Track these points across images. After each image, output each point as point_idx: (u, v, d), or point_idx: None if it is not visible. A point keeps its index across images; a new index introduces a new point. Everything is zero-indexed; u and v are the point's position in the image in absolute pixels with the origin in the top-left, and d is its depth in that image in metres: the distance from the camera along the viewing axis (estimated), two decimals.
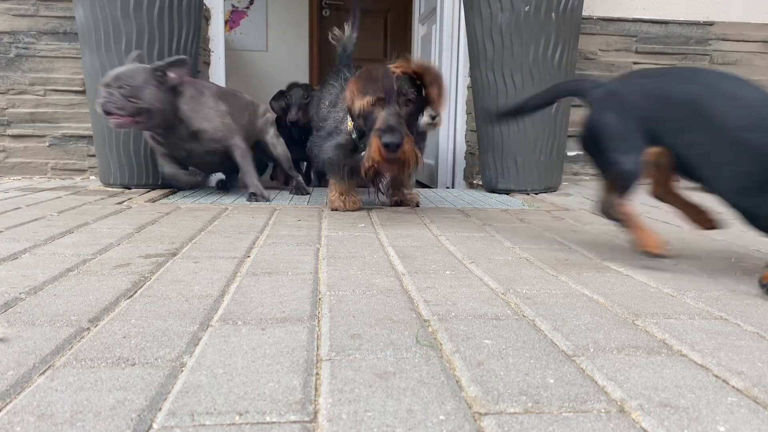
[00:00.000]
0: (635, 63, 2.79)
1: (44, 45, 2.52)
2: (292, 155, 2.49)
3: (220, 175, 2.54)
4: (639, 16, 2.78)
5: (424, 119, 1.89)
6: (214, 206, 1.88)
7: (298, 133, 2.77)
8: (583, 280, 1.05)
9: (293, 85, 2.85)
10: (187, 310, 0.84)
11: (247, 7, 5.72)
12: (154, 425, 0.52)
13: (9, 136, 2.56)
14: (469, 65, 2.42)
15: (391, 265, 1.14)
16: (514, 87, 2.27)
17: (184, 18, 2.19)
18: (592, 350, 0.72)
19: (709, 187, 1.05)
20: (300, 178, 2.38)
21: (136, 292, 0.93)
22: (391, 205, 1.98)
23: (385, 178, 1.81)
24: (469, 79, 2.42)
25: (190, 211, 1.78)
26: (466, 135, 2.94)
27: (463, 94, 2.94)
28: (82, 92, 2.54)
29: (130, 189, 2.25)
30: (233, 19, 5.57)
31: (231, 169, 2.30)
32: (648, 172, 1.14)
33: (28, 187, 2.26)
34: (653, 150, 1.11)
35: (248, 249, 1.26)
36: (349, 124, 1.73)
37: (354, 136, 1.72)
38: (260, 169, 2.59)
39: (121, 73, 1.83)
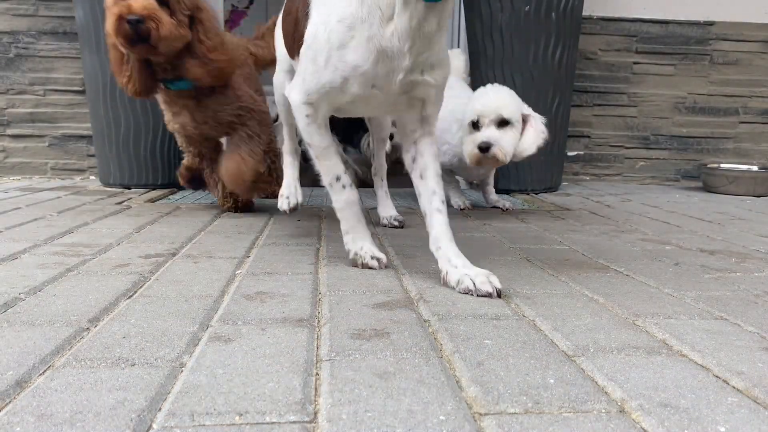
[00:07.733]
0: (635, 63, 2.79)
1: (44, 45, 2.52)
2: None
3: None
4: (639, 15, 2.77)
5: None
6: (214, 206, 1.88)
7: None
8: (583, 280, 1.05)
9: None
10: (187, 310, 0.84)
11: (247, 7, 5.72)
12: (154, 425, 0.52)
13: (9, 136, 2.56)
14: (469, 65, 2.42)
15: (391, 265, 1.14)
16: (515, 87, 2.27)
17: None
18: (592, 350, 0.72)
19: None
20: None
21: (135, 292, 0.93)
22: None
23: None
24: (469, 78, 2.42)
25: (190, 211, 1.77)
26: None
27: None
28: (82, 92, 2.53)
29: (129, 189, 2.25)
30: (233, 19, 5.57)
31: None
32: None
33: (27, 187, 2.26)
34: None
35: (248, 249, 1.26)
36: None
37: None
38: None
39: None
